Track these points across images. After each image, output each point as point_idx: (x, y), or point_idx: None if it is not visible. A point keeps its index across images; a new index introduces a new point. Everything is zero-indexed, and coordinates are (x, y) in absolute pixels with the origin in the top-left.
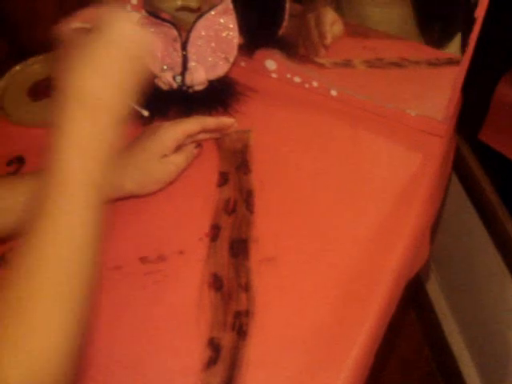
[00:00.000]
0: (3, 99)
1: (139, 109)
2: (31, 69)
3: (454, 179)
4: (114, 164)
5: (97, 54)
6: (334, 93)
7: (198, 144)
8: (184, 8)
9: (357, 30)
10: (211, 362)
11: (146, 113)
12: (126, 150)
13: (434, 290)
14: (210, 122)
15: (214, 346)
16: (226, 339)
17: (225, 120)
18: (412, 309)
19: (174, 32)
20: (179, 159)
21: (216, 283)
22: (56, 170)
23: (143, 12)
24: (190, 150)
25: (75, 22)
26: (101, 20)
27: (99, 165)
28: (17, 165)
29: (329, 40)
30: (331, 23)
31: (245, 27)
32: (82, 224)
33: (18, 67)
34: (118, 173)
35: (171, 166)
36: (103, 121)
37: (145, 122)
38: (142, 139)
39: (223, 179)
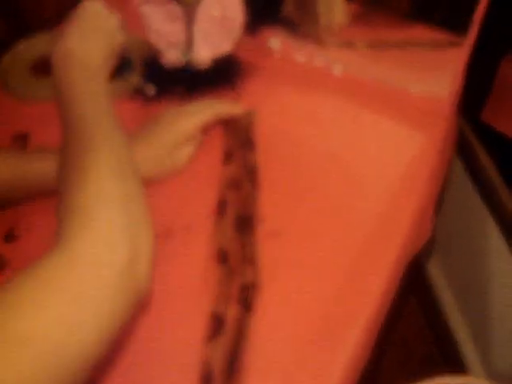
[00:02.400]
0: (7, 76)
1: (144, 87)
2: (35, 45)
3: (456, 160)
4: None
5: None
6: (337, 72)
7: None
8: None
9: (359, 11)
10: (215, 335)
11: (151, 91)
12: (141, 135)
13: (436, 272)
14: (224, 111)
15: (217, 318)
16: (231, 312)
17: (236, 107)
18: (413, 292)
19: (179, 10)
20: (189, 149)
21: (221, 257)
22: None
23: None
24: (199, 137)
25: None
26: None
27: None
28: (22, 140)
29: (335, 27)
30: (339, 9)
31: (249, 6)
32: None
33: (21, 43)
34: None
35: (182, 157)
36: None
37: (150, 100)
38: (157, 127)
39: (228, 157)
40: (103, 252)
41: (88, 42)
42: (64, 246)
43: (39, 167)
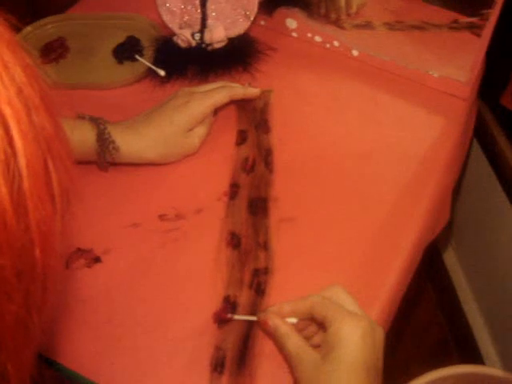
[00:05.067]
0: None
1: (156, 68)
2: (43, 29)
3: (475, 144)
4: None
5: (335, 381)
6: (355, 53)
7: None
8: None
9: None
10: (227, 319)
11: (162, 72)
12: (152, 117)
13: (451, 257)
14: (238, 92)
15: (230, 303)
16: (243, 296)
17: (252, 90)
18: (428, 277)
19: None
20: (202, 130)
21: (233, 241)
22: None
23: None
24: (210, 118)
25: (284, 317)
26: (323, 318)
27: None
28: None
29: (354, 9)
30: None
31: None
32: None
33: (29, 28)
34: (143, 144)
35: (196, 139)
36: None
37: (162, 81)
38: (169, 108)
39: (242, 137)
40: None
41: None
42: None
43: (79, 134)
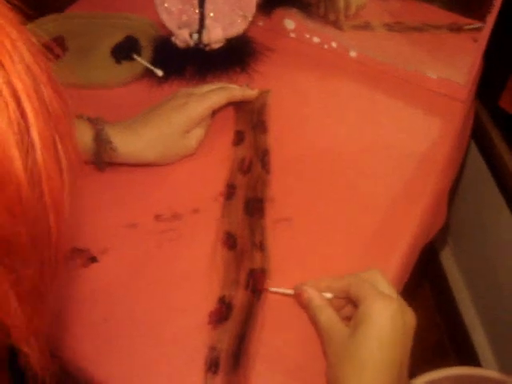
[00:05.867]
0: None
1: (153, 68)
2: (43, 28)
3: (473, 146)
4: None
5: (362, 362)
6: (353, 54)
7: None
8: None
9: None
10: (222, 319)
11: (160, 72)
12: (151, 117)
13: (448, 258)
14: (236, 94)
15: (225, 303)
16: (239, 297)
17: (250, 92)
18: (425, 277)
19: None
20: (200, 132)
21: (229, 241)
22: None
23: None
24: (208, 119)
25: (320, 291)
26: (356, 296)
27: None
28: None
29: (353, 10)
30: None
31: None
32: None
33: (29, 26)
34: (141, 144)
35: (193, 140)
36: None
37: (160, 82)
38: (168, 109)
39: (239, 138)
40: None
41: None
42: None
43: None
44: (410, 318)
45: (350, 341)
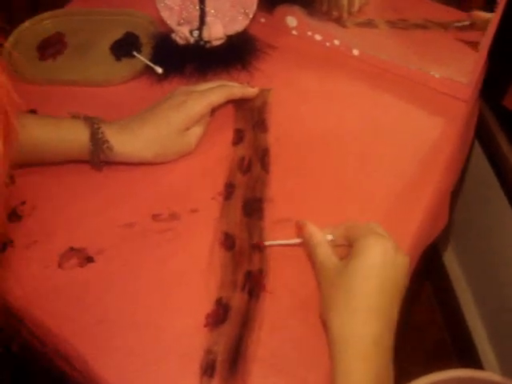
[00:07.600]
0: (12, 55)
1: (153, 65)
2: (40, 25)
3: (477, 146)
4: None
5: (352, 289)
6: (355, 52)
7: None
8: None
9: None
10: (219, 322)
11: (160, 70)
12: (149, 115)
13: (450, 259)
14: (236, 92)
15: (222, 305)
16: (236, 299)
17: (250, 90)
18: (428, 277)
19: None
20: (199, 130)
21: (227, 242)
22: None
23: None
24: (207, 117)
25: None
26: (353, 237)
27: None
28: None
29: (356, 7)
30: None
31: None
32: None
33: (27, 23)
34: (139, 144)
35: (192, 138)
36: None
37: (160, 79)
38: (166, 107)
39: (239, 137)
40: None
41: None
42: None
43: (72, 133)
44: (402, 259)
45: (344, 271)
